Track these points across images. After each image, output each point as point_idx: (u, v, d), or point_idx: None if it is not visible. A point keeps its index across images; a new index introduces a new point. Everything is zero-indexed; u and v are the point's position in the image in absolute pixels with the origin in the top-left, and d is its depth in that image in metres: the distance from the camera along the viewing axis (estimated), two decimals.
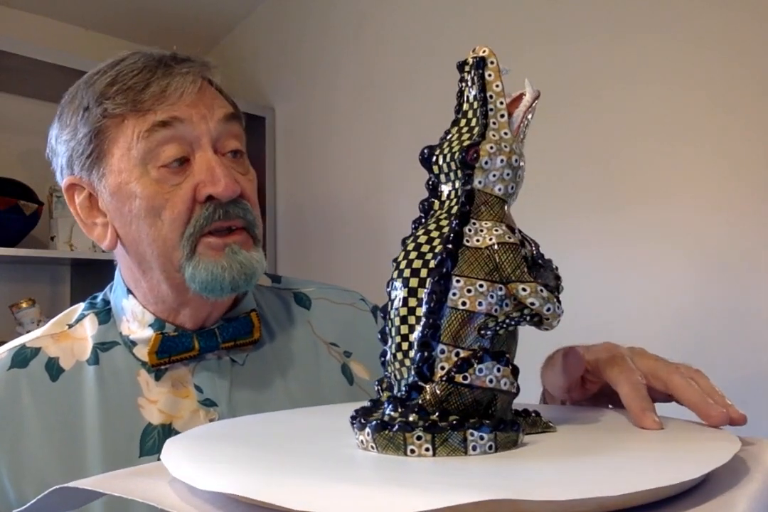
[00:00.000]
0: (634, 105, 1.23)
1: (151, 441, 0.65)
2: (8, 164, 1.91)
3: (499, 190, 0.40)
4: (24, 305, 1.74)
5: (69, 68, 1.76)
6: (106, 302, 0.74)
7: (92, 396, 0.66)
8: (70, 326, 0.72)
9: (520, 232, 0.41)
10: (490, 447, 0.35)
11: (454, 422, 0.36)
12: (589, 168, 1.29)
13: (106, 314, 0.72)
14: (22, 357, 0.68)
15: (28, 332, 1.79)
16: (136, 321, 0.69)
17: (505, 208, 0.41)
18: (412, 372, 0.38)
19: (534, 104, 0.41)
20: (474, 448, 0.35)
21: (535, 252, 0.41)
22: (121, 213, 0.65)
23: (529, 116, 0.41)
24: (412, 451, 0.35)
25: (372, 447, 0.37)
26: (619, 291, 1.24)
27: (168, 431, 0.65)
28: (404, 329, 0.38)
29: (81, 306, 0.75)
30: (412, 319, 0.38)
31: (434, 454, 0.35)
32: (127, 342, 0.69)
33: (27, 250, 1.69)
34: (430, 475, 0.33)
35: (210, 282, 0.63)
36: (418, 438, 0.35)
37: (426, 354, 0.37)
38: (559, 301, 0.39)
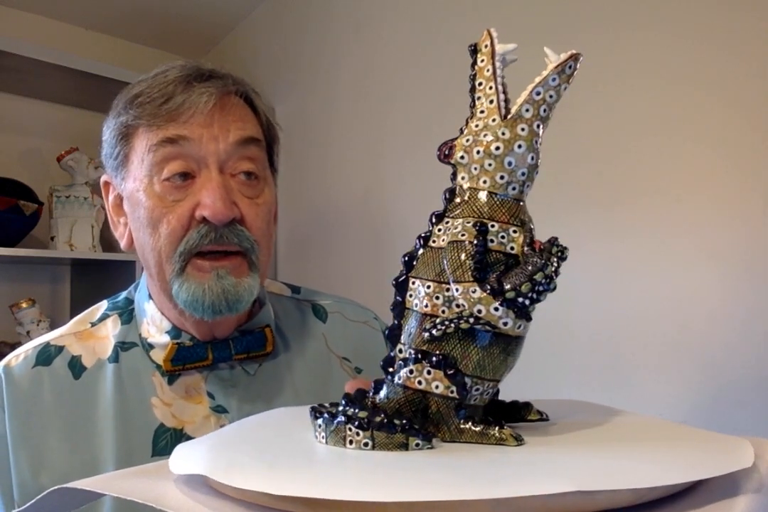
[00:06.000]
0: (635, 101, 1.23)
1: (164, 442, 0.66)
2: (8, 164, 1.91)
3: (485, 182, 0.38)
4: (24, 305, 1.74)
5: (69, 68, 1.76)
6: (130, 301, 0.75)
7: (109, 393, 0.68)
8: (93, 324, 0.74)
9: (526, 226, 0.39)
10: (366, 444, 0.37)
11: (364, 418, 0.37)
12: (589, 165, 1.29)
13: (128, 314, 0.74)
14: (46, 356, 0.70)
15: (28, 332, 1.79)
16: (154, 326, 0.71)
17: (495, 199, 0.38)
18: None
19: (547, 77, 0.38)
20: (350, 442, 0.37)
21: (526, 248, 0.38)
22: (133, 218, 0.67)
23: (540, 92, 0.38)
24: (316, 437, 0.39)
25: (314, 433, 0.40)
26: (619, 290, 1.24)
27: (180, 435, 0.67)
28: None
29: (103, 305, 0.76)
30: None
31: (327, 443, 0.38)
32: (145, 345, 0.71)
33: (27, 250, 1.69)
34: (280, 458, 0.36)
35: (191, 303, 0.63)
36: (318, 426, 0.39)
37: (389, 352, 0.40)
38: (503, 304, 0.36)
